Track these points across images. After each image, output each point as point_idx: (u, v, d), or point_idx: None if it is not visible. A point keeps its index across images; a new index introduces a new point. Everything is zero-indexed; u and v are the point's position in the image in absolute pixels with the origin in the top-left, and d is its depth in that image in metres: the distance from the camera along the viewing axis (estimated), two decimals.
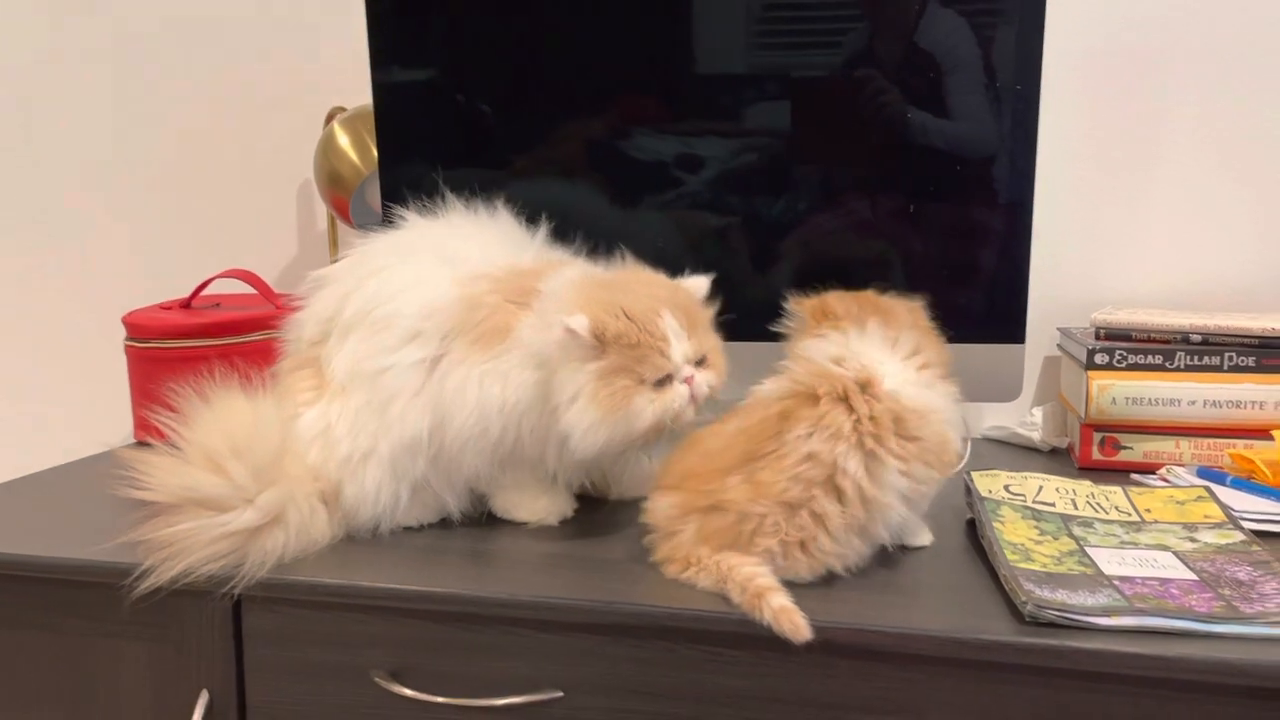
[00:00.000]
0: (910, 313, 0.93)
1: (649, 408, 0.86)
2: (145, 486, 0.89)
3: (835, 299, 0.94)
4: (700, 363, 0.90)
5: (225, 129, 1.57)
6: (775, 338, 0.96)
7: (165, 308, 1.37)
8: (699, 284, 0.95)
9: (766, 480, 0.81)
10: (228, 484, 0.89)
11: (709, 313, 0.94)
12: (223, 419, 0.93)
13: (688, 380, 0.88)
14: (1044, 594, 0.76)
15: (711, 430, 0.88)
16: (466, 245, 0.98)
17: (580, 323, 0.85)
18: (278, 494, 0.90)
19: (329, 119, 1.40)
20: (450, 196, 1.02)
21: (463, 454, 0.94)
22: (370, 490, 0.94)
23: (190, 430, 0.92)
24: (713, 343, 0.93)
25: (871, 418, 0.82)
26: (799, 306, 0.95)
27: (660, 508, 0.86)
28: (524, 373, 0.90)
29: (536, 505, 1.00)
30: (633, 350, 0.86)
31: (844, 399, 0.83)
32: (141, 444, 1.34)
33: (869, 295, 0.94)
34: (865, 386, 0.84)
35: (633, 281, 0.92)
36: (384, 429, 0.94)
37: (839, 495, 0.81)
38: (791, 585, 0.79)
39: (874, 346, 0.88)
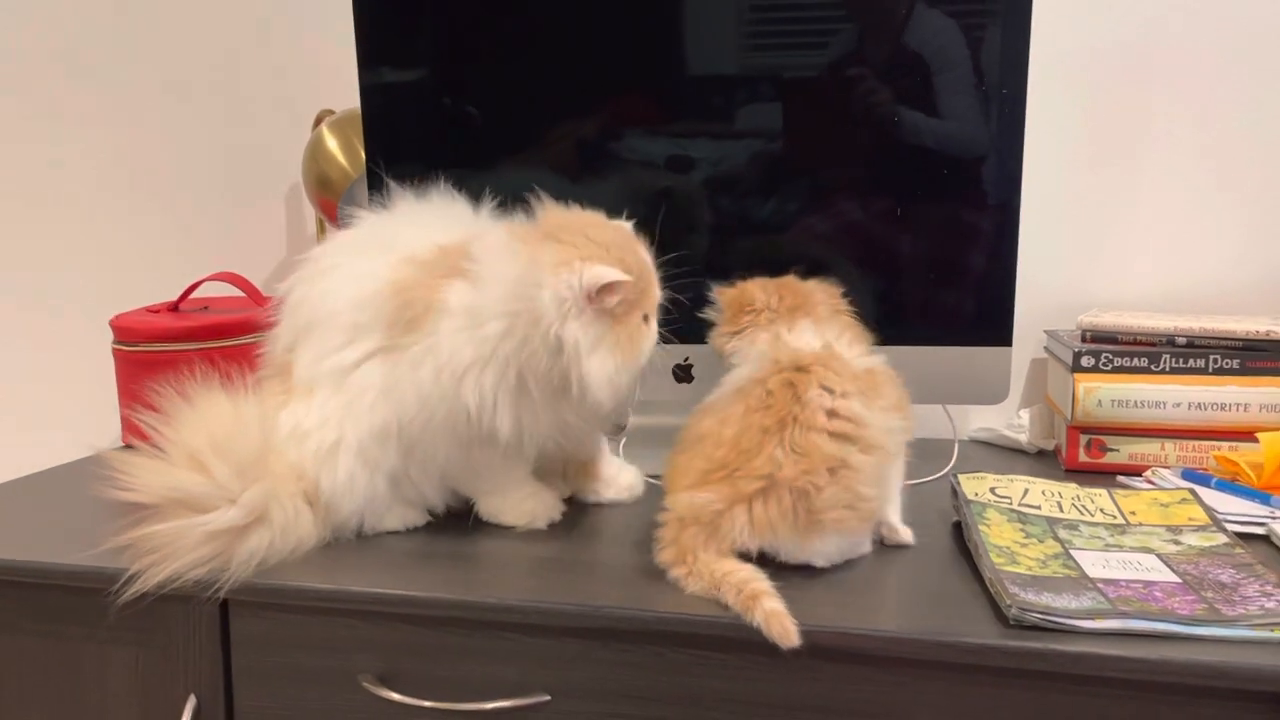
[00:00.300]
0: (828, 296, 0.98)
1: (647, 343, 0.92)
2: (129, 487, 0.89)
3: (757, 288, 0.98)
4: None
5: (214, 132, 1.57)
6: None
7: (153, 310, 1.37)
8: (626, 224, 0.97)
9: (809, 445, 0.83)
10: (210, 483, 0.89)
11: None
12: (204, 418, 0.93)
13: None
14: (1028, 597, 0.77)
15: (711, 421, 0.88)
16: (408, 231, 0.98)
17: (610, 272, 0.86)
18: (260, 491, 0.90)
19: (317, 122, 1.40)
20: (409, 188, 1.03)
21: (425, 441, 0.93)
22: (344, 480, 0.94)
23: (172, 430, 0.92)
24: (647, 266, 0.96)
25: (855, 376, 0.87)
26: (721, 296, 1.00)
27: (697, 503, 0.84)
28: (456, 340, 0.89)
29: (523, 509, 1.00)
30: (635, 293, 0.89)
31: (826, 365, 0.88)
32: (129, 447, 1.34)
33: (788, 282, 0.99)
34: (830, 354, 0.89)
35: (582, 225, 0.92)
36: (350, 419, 0.94)
37: (864, 446, 0.85)
38: (784, 585, 0.79)
39: (807, 334, 0.93)
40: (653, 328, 0.93)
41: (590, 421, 0.97)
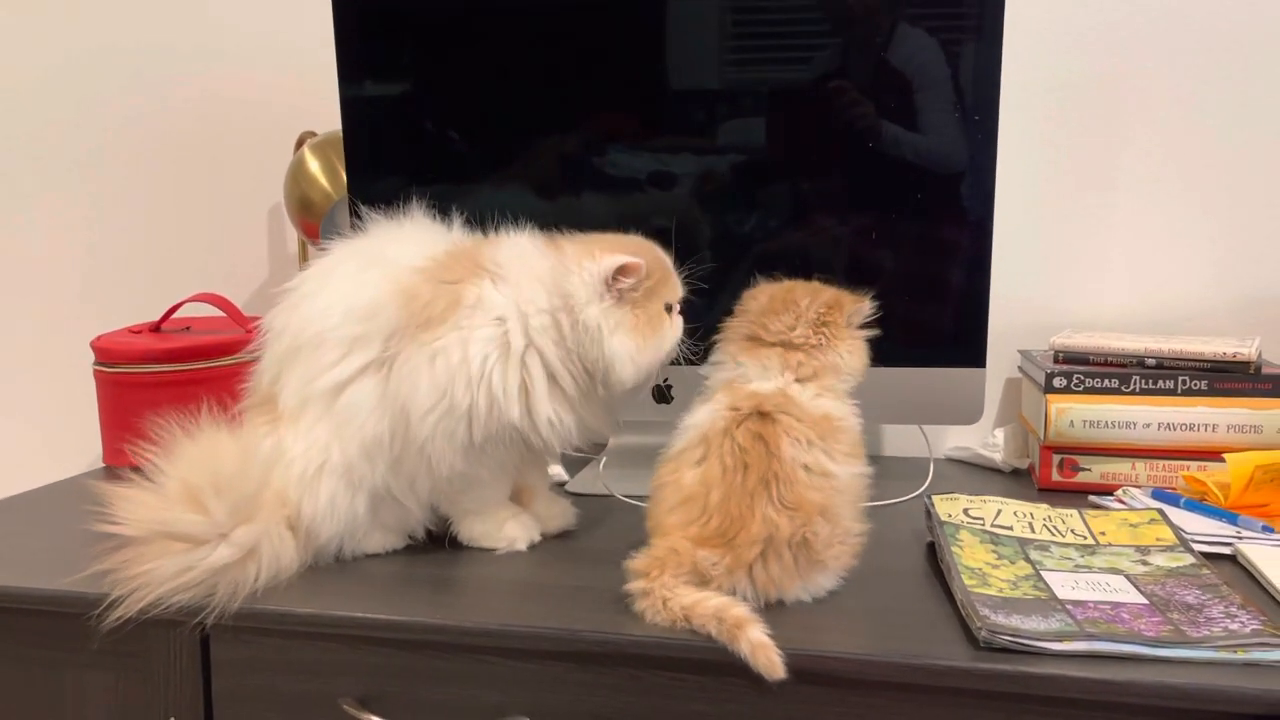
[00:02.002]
0: (827, 302, 0.96)
1: (669, 330, 0.97)
2: (119, 520, 0.89)
3: (764, 293, 0.98)
4: None
5: (196, 153, 1.58)
6: None
7: (134, 331, 1.37)
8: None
9: (797, 498, 0.85)
10: (205, 521, 0.89)
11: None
12: (206, 454, 0.92)
13: (681, 311, 1.00)
14: (999, 619, 0.78)
15: (690, 478, 0.88)
16: (391, 246, 0.99)
17: (623, 256, 0.93)
18: (253, 530, 0.91)
19: (299, 144, 1.41)
20: (386, 210, 1.03)
21: (432, 443, 0.93)
22: (325, 504, 0.94)
23: (171, 464, 0.92)
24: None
25: (814, 422, 0.89)
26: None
27: (702, 562, 0.84)
28: (490, 333, 0.92)
29: (504, 531, 1.01)
30: (656, 279, 0.96)
31: (786, 412, 0.88)
32: (111, 468, 1.34)
33: (795, 286, 0.98)
34: (786, 398, 0.90)
35: (599, 235, 0.99)
36: (339, 439, 0.94)
37: (838, 488, 0.87)
38: (756, 608, 0.81)
39: (767, 376, 0.93)
40: (676, 320, 0.99)
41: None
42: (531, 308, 0.93)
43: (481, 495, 1.00)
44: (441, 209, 1.03)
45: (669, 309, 0.98)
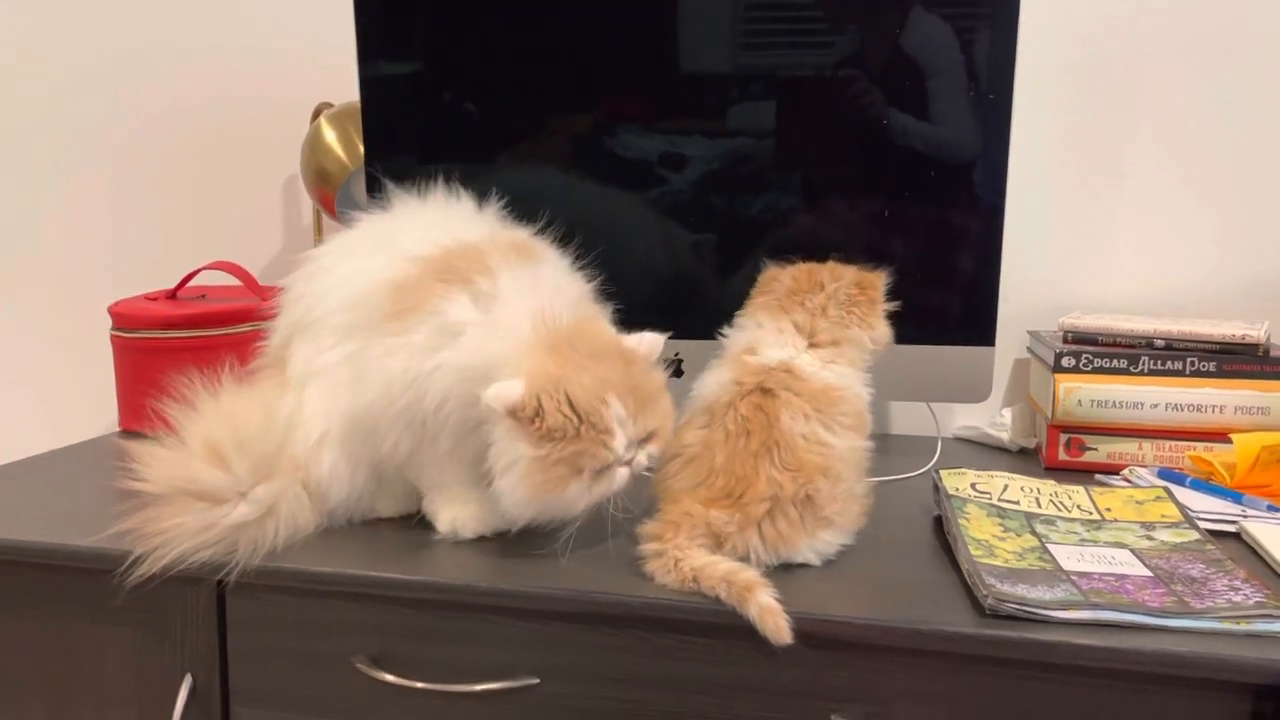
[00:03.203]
0: (853, 281, 0.98)
1: (584, 496, 0.85)
2: (142, 476, 0.91)
3: (788, 271, 0.99)
4: (645, 439, 0.89)
5: (213, 123, 1.59)
6: None
7: (151, 298, 1.38)
8: (654, 345, 0.91)
9: (797, 460, 0.87)
10: (227, 478, 0.90)
11: (659, 378, 0.91)
12: (229, 412, 0.93)
13: (628, 462, 0.87)
14: (1004, 588, 0.79)
15: (694, 441, 0.90)
16: (408, 231, 0.97)
17: (510, 397, 0.82)
18: (273, 489, 0.92)
19: (315, 115, 1.41)
20: (411, 187, 1.03)
21: (384, 428, 0.92)
22: (327, 473, 0.95)
23: (195, 421, 0.93)
24: (660, 416, 0.89)
25: (813, 395, 0.90)
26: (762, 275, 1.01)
27: (714, 522, 0.86)
28: (432, 344, 0.88)
29: (451, 515, 0.96)
30: (573, 444, 0.83)
31: (787, 388, 0.90)
32: (126, 433, 1.35)
33: (821, 266, 0.99)
34: (789, 372, 0.91)
35: (584, 351, 0.87)
36: (334, 416, 0.95)
37: (837, 458, 0.89)
38: (766, 574, 0.82)
39: (779, 335, 0.94)
40: (607, 479, 0.86)
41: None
42: (475, 356, 0.86)
43: (438, 477, 0.96)
44: (463, 185, 1.04)
45: (600, 469, 0.85)
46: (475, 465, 0.90)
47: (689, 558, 0.83)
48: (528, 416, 0.82)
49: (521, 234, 1.00)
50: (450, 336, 0.88)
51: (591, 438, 0.84)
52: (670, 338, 1.18)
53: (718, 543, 0.86)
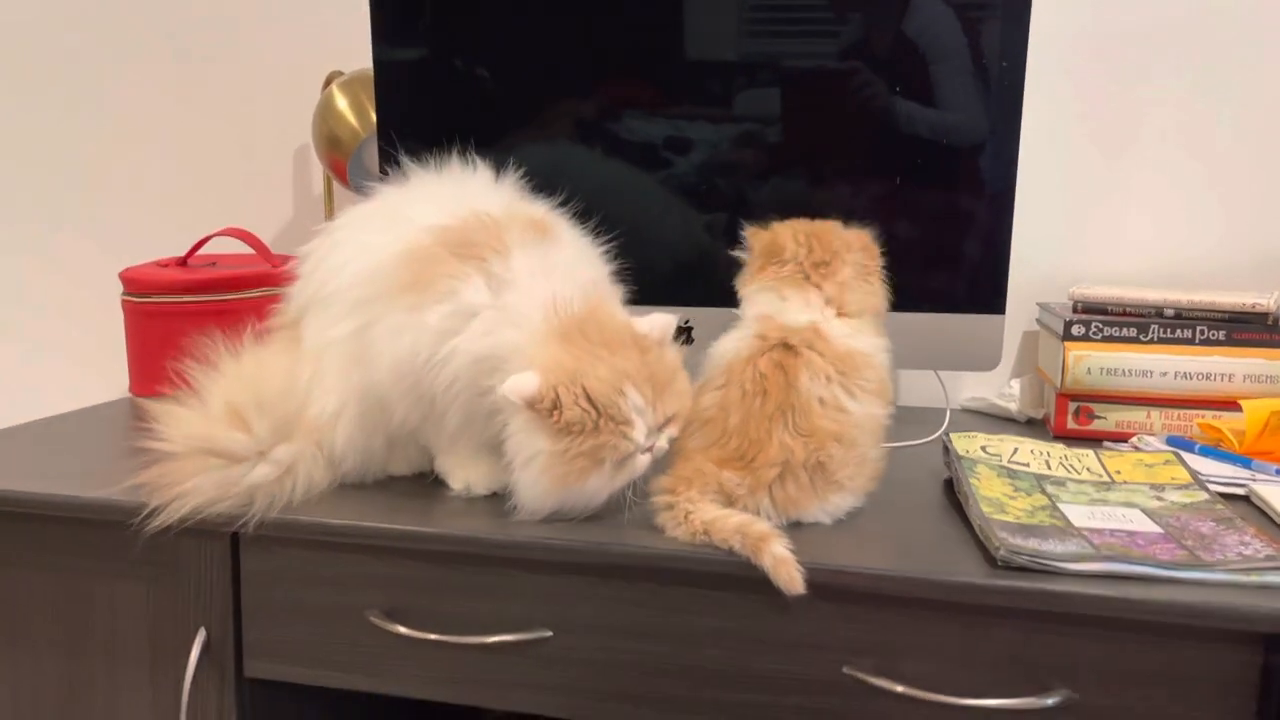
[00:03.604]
0: (859, 253, 0.98)
1: (606, 486, 0.86)
2: (163, 436, 0.91)
3: (789, 235, 0.98)
4: (664, 423, 0.88)
5: (225, 90, 1.59)
6: None
7: (162, 264, 1.39)
8: (666, 327, 0.90)
9: (811, 426, 0.87)
10: (248, 439, 0.90)
11: (674, 360, 0.90)
12: (251, 373, 0.94)
13: (649, 449, 0.87)
14: (1016, 541, 0.80)
15: (710, 403, 0.90)
16: (423, 203, 0.96)
17: (527, 389, 0.82)
18: (292, 449, 0.93)
19: (327, 82, 1.42)
20: (427, 159, 1.02)
21: (390, 403, 0.92)
22: (342, 444, 0.95)
23: (216, 381, 0.93)
24: (678, 398, 0.89)
25: (837, 357, 0.89)
26: (753, 239, 0.99)
27: (727, 483, 0.87)
28: (444, 327, 0.87)
29: (462, 473, 0.96)
30: (592, 437, 0.83)
31: (811, 347, 0.89)
32: (140, 398, 1.36)
33: (823, 231, 0.98)
34: (816, 333, 0.90)
35: (598, 340, 0.86)
36: (347, 391, 0.94)
37: (854, 423, 0.89)
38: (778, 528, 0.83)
39: (806, 307, 0.93)
40: (629, 466, 0.86)
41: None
42: (486, 343, 0.86)
43: (451, 439, 0.95)
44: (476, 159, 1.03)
45: (622, 460, 0.85)
46: (485, 437, 0.91)
47: (700, 511, 0.84)
48: (546, 409, 0.82)
49: (539, 209, 0.99)
50: (462, 320, 0.88)
51: (611, 430, 0.83)
52: (680, 305, 1.19)
53: (729, 502, 0.87)
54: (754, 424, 0.88)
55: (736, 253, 1.00)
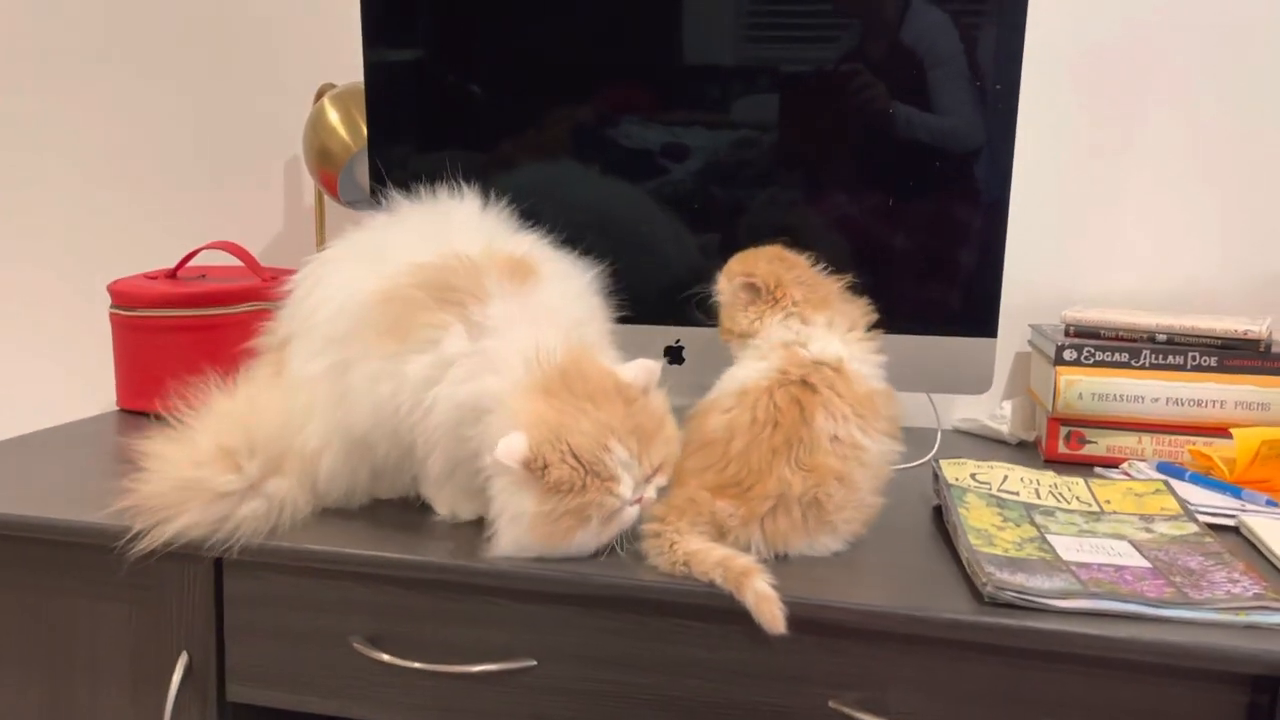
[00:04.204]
0: (835, 282, 0.98)
1: (594, 540, 0.85)
2: (151, 476, 0.90)
3: (782, 269, 0.97)
4: (652, 474, 0.87)
5: (215, 102, 1.58)
6: None
7: (151, 277, 1.38)
8: (650, 374, 0.89)
9: (815, 463, 0.86)
10: (238, 479, 0.90)
11: (660, 408, 0.89)
12: (244, 411, 0.94)
13: (637, 501, 0.86)
14: (1004, 576, 0.79)
15: (717, 424, 0.89)
16: (405, 239, 0.95)
17: (516, 451, 0.80)
18: (284, 483, 0.93)
19: (319, 95, 1.41)
20: (418, 186, 1.02)
21: (371, 442, 0.92)
22: (325, 479, 0.95)
23: (208, 421, 0.93)
24: (665, 447, 0.87)
25: (858, 399, 0.89)
26: (738, 274, 0.99)
27: (719, 513, 0.86)
28: (423, 376, 0.87)
29: (448, 500, 0.96)
30: (579, 495, 0.82)
31: (832, 387, 0.88)
32: (126, 412, 1.35)
33: (798, 264, 0.99)
34: (838, 371, 0.89)
35: (581, 393, 0.84)
36: (329, 430, 0.94)
37: (862, 463, 0.88)
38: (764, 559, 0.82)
39: (824, 337, 0.93)
40: (617, 520, 0.85)
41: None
42: (466, 389, 0.85)
43: (435, 481, 0.95)
44: (468, 179, 1.02)
45: (609, 515, 0.84)
46: (468, 480, 0.89)
47: (684, 542, 0.83)
48: (539, 470, 0.81)
49: (523, 243, 0.98)
50: (442, 369, 0.87)
51: (597, 487, 0.82)
52: (670, 323, 1.19)
53: (720, 533, 0.86)
54: (757, 453, 0.87)
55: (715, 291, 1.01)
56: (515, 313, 0.88)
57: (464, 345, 0.87)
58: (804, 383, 0.88)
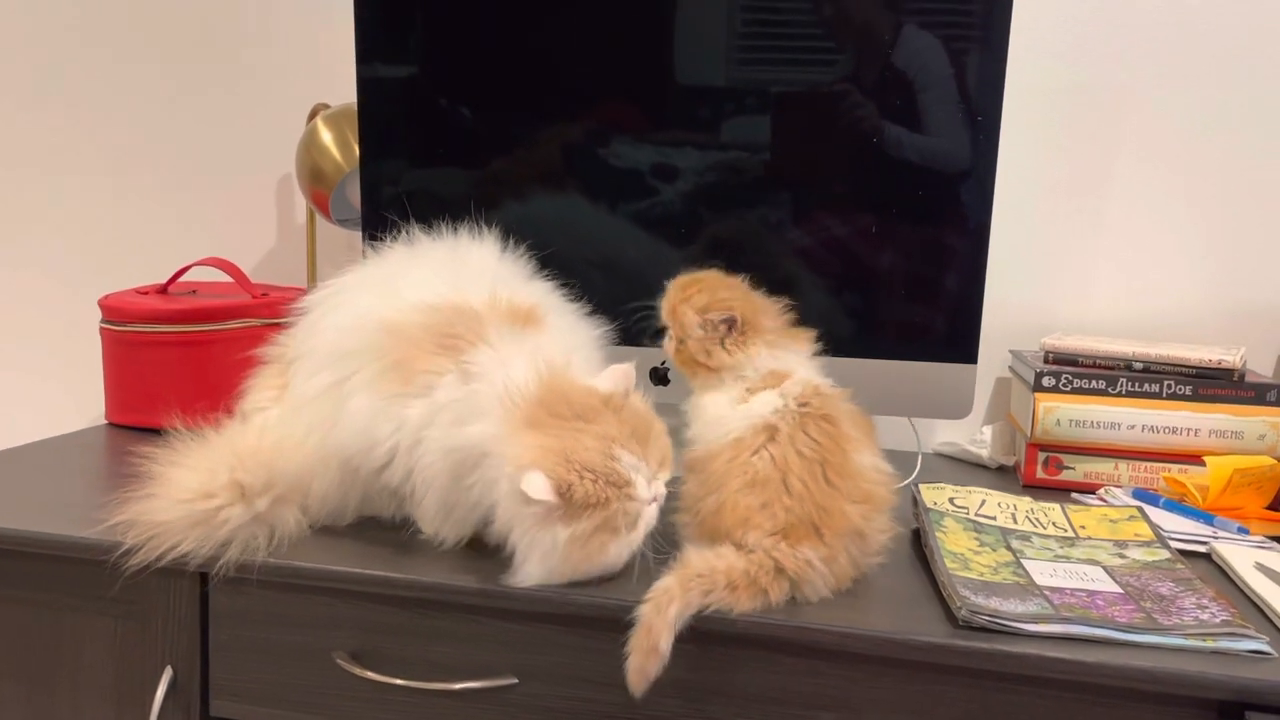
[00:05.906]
0: (768, 299, 0.99)
1: (626, 549, 0.85)
2: (159, 505, 0.91)
3: (739, 299, 0.96)
4: (657, 470, 0.88)
5: (210, 121, 1.60)
6: None
7: (142, 292, 1.39)
8: (626, 378, 0.90)
9: (864, 494, 0.86)
10: (245, 509, 0.91)
11: (644, 407, 0.90)
12: (254, 445, 0.95)
13: (655, 499, 0.87)
14: (978, 600, 0.81)
15: (758, 463, 0.86)
16: (421, 276, 0.97)
17: (543, 487, 0.80)
18: (285, 513, 0.94)
19: (312, 115, 1.42)
20: (431, 221, 1.04)
21: (363, 470, 0.94)
22: (318, 501, 0.97)
23: (221, 451, 0.94)
24: (661, 442, 0.89)
25: (858, 422, 0.90)
26: (713, 314, 0.96)
27: (800, 556, 0.83)
28: (418, 421, 0.89)
29: (434, 522, 0.95)
30: (604, 509, 0.82)
31: (842, 413, 0.89)
32: (115, 426, 1.36)
33: (720, 281, 0.99)
34: (828, 396, 0.90)
35: (568, 414, 0.85)
36: (323, 456, 0.95)
37: (888, 487, 0.89)
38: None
39: (797, 356, 0.95)
40: (637, 525, 0.85)
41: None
42: (455, 434, 0.86)
43: (429, 509, 0.94)
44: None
45: (634, 520, 0.84)
46: (462, 520, 0.91)
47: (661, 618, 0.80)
48: (567, 496, 0.81)
49: (532, 293, 0.99)
50: (434, 414, 0.89)
51: (617, 495, 0.83)
52: (657, 345, 1.20)
53: (765, 584, 0.82)
54: (819, 492, 0.84)
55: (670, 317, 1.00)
56: (499, 357, 0.89)
57: (455, 391, 0.88)
58: (824, 416, 0.87)
